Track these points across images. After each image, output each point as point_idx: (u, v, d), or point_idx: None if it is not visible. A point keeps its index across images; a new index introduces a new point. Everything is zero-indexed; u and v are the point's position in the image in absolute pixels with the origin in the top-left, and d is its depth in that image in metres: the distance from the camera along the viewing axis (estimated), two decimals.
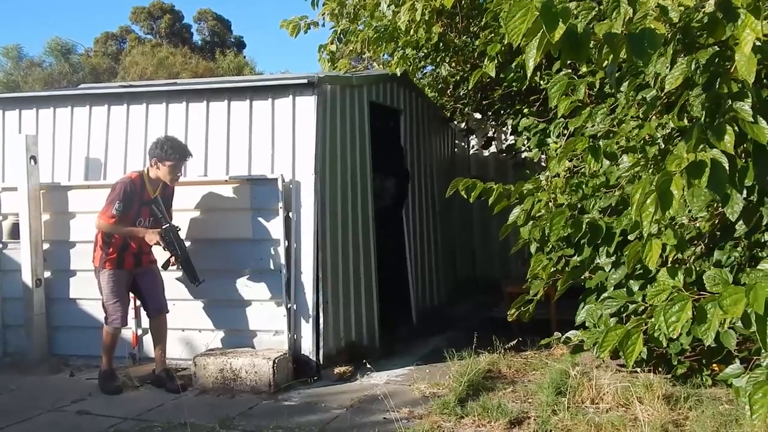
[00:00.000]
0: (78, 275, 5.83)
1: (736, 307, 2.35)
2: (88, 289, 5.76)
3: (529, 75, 2.62)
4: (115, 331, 5.14)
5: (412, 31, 6.40)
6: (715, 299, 2.45)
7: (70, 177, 6.05)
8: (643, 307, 3.42)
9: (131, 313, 5.60)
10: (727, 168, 2.44)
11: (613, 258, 4.05)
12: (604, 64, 2.67)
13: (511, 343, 5.17)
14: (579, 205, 4.50)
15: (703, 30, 2.62)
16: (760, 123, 2.41)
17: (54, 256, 5.90)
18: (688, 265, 3.59)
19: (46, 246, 5.89)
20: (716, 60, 2.63)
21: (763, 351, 2.55)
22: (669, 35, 2.73)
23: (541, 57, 2.42)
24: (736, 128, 2.42)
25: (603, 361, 4.69)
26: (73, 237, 5.86)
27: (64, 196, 5.90)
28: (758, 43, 2.41)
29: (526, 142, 6.65)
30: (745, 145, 2.61)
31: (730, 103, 2.54)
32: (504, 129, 8.73)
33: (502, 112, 7.72)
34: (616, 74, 3.71)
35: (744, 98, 2.50)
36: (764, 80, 2.85)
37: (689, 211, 3.39)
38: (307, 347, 5.29)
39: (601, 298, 4.20)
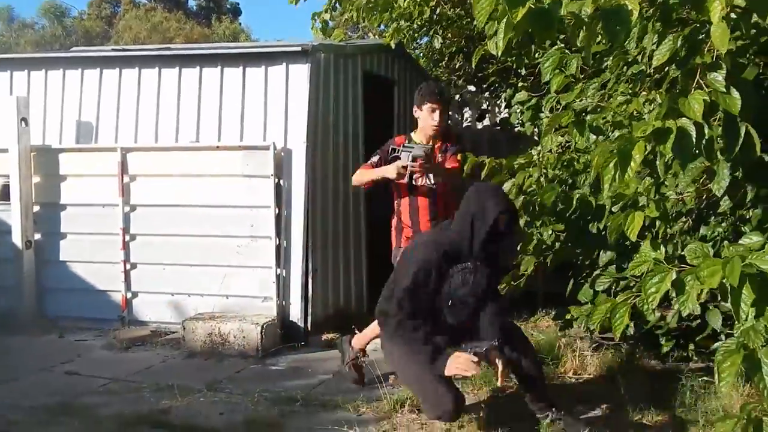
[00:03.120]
0: (68, 238, 5.86)
1: (712, 279, 2.39)
2: (78, 252, 5.82)
3: (498, 55, 2.61)
4: None
5: (404, 3, 6.36)
6: (694, 271, 2.49)
7: (61, 140, 6.04)
8: (633, 283, 3.47)
9: (120, 276, 5.65)
10: (694, 136, 2.46)
11: (608, 238, 4.09)
12: (580, 43, 2.67)
13: None
14: (570, 181, 4.52)
15: (686, 4, 2.63)
16: (732, 94, 2.42)
17: (44, 218, 5.92)
18: (675, 239, 3.63)
19: (36, 208, 5.90)
20: (699, 35, 2.63)
21: (737, 322, 2.59)
22: (651, 11, 2.73)
23: (515, 38, 2.42)
24: (707, 98, 2.43)
25: (589, 333, 4.75)
26: (64, 200, 5.87)
27: (55, 158, 5.89)
28: (734, 16, 2.42)
29: (519, 116, 6.66)
30: (719, 117, 2.61)
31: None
32: (498, 102, 8.72)
33: (497, 85, 7.71)
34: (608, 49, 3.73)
35: (718, 69, 2.51)
36: (751, 56, 2.87)
37: (677, 186, 3.41)
38: (295, 314, 5.34)
39: (593, 275, 4.26)
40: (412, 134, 4.45)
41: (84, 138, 6.00)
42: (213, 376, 4.48)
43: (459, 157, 4.19)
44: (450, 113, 9.37)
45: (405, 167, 4.17)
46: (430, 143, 4.35)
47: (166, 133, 5.77)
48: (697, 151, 2.54)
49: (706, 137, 2.53)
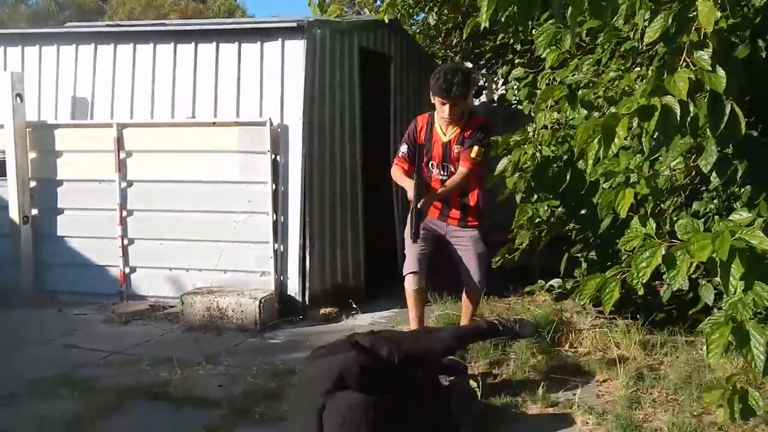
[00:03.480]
0: (65, 213, 5.87)
1: (702, 253, 2.43)
2: (76, 228, 5.83)
3: (484, 25, 2.63)
4: None
5: None
6: (685, 246, 2.52)
7: (56, 116, 6.03)
8: (624, 257, 3.50)
9: (118, 251, 5.67)
10: (678, 114, 2.47)
11: (599, 213, 4.11)
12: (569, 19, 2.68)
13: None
14: (565, 157, 4.54)
15: None
16: (717, 72, 2.43)
17: (41, 194, 5.92)
18: (667, 215, 3.66)
19: (33, 184, 5.90)
20: (687, 13, 2.64)
21: (725, 296, 2.63)
22: None
23: (502, 13, 2.43)
24: (692, 76, 2.44)
25: (584, 307, 4.78)
26: (60, 176, 5.88)
27: (51, 134, 5.88)
28: None
29: (516, 93, 6.65)
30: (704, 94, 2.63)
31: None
32: (495, 79, 8.71)
33: (493, 61, 7.69)
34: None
35: (704, 47, 2.53)
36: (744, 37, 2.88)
37: (668, 161, 3.44)
38: (293, 288, 5.37)
39: (588, 251, 4.30)
40: (435, 114, 4.19)
41: (79, 114, 5.98)
42: (212, 349, 4.52)
43: (475, 152, 4.00)
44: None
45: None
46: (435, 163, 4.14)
47: (162, 108, 5.76)
48: (683, 129, 2.57)
49: (691, 115, 2.54)
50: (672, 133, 2.58)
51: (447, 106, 3.98)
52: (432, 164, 4.16)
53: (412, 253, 4.14)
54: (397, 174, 4.19)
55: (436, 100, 4.04)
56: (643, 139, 2.88)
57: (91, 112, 5.97)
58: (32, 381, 3.97)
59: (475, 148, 3.99)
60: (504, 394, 3.65)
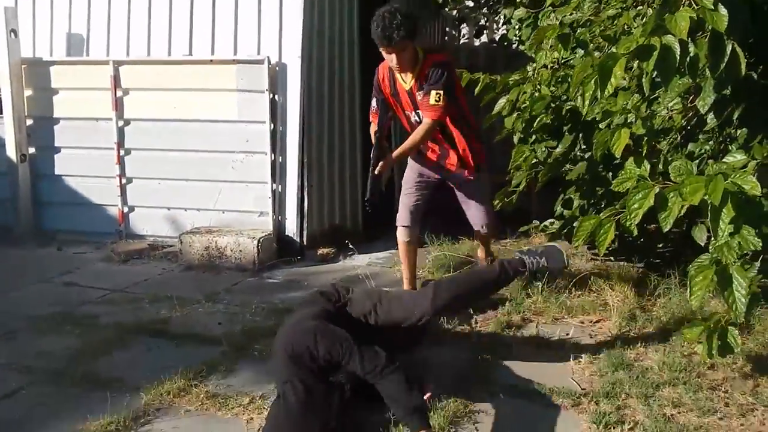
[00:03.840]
0: (63, 152, 5.85)
1: (694, 196, 2.44)
2: (74, 166, 5.82)
3: None
4: None
5: None
6: (677, 188, 2.53)
7: (51, 53, 5.94)
8: (623, 201, 3.50)
9: (116, 190, 5.67)
10: (678, 54, 2.44)
11: (594, 153, 4.09)
12: None
13: None
14: (563, 97, 4.50)
15: None
16: (719, 10, 2.38)
17: (38, 132, 5.89)
18: (662, 155, 3.64)
19: (29, 122, 5.86)
20: None
21: (713, 239, 2.64)
22: None
23: None
24: (694, 15, 2.39)
25: (578, 249, 4.82)
26: (57, 113, 5.84)
27: (47, 71, 5.81)
28: None
29: (517, 33, 6.54)
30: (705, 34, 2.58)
31: None
32: (496, 18, 8.55)
33: (495, 0, 7.54)
34: None
35: None
36: None
37: (666, 101, 3.40)
38: (291, 228, 5.40)
39: (582, 189, 4.28)
40: None
41: (75, 51, 5.90)
42: (211, 288, 4.57)
43: (433, 97, 3.70)
44: (447, 29, 9.23)
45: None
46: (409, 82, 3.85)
47: (158, 45, 5.67)
48: (682, 69, 2.53)
49: (691, 55, 2.51)
50: (671, 74, 2.54)
51: (393, 55, 3.66)
52: (408, 114, 3.96)
53: (405, 204, 4.10)
54: (371, 131, 3.91)
55: (382, 51, 3.72)
56: (643, 80, 2.85)
57: (86, 49, 5.89)
58: (34, 318, 4.03)
59: (432, 93, 3.68)
60: (497, 333, 3.71)
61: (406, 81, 3.85)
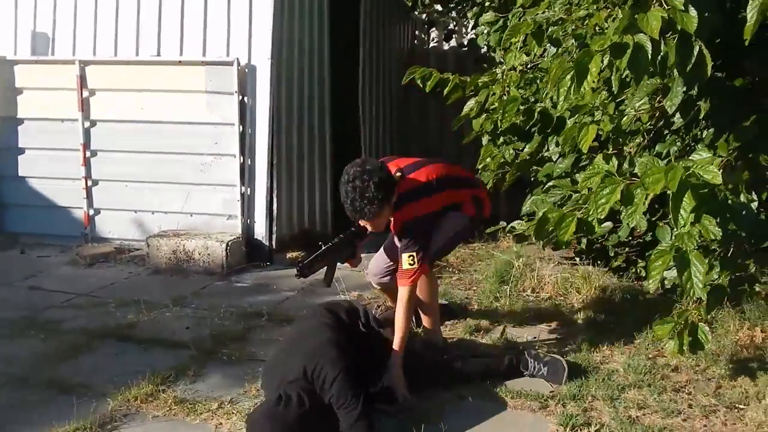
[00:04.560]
0: (27, 153, 5.76)
1: (656, 186, 2.49)
2: (38, 168, 5.73)
3: None
4: None
5: None
6: (642, 181, 2.58)
7: (16, 51, 5.83)
8: (585, 196, 3.55)
9: (82, 192, 5.59)
10: (650, 52, 2.49)
11: (561, 148, 4.15)
12: None
13: None
14: (532, 99, 4.54)
15: None
16: (690, 12, 2.44)
17: (1, 132, 5.77)
18: (630, 156, 3.70)
19: None
20: None
21: (674, 228, 2.69)
22: None
23: None
24: (665, 15, 2.45)
25: (544, 249, 4.87)
26: (21, 114, 5.75)
27: (11, 70, 5.72)
28: None
29: (486, 37, 6.59)
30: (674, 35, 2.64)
31: None
32: (465, 23, 8.61)
33: (464, 4, 7.59)
34: None
35: None
36: None
37: (634, 101, 3.46)
38: (260, 232, 5.37)
39: (546, 187, 4.32)
40: None
41: (40, 50, 5.80)
42: (178, 292, 4.53)
43: (406, 261, 3.25)
44: (416, 33, 9.24)
45: None
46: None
47: (125, 45, 5.61)
48: (651, 69, 2.59)
49: (662, 54, 2.57)
50: (642, 72, 2.59)
51: (367, 223, 3.23)
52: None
53: (382, 258, 3.73)
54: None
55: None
56: (612, 77, 2.90)
57: (52, 48, 5.80)
58: None
59: (404, 256, 3.25)
60: (464, 338, 3.74)
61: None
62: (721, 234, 2.57)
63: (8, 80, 5.70)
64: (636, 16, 2.50)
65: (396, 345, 3.17)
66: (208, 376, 3.32)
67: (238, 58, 5.22)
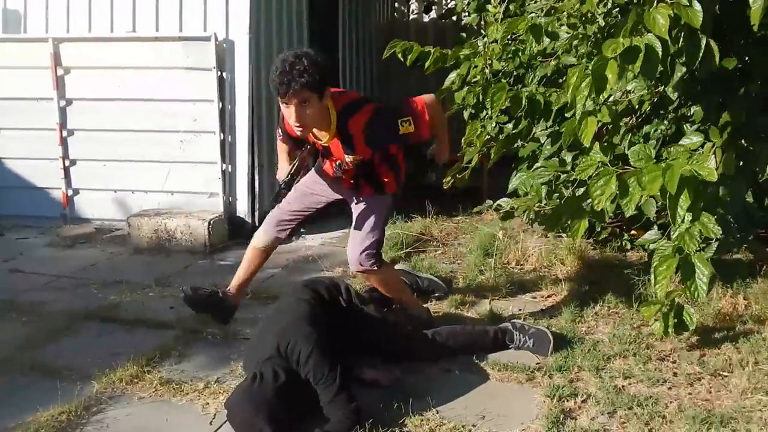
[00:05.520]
0: (2, 133, 5.65)
1: (653, 185, 2.53)
2: (14, 148, 5.63)
3: None
4: None
5: None
6: (636, 173, 2.59)
7: None
8: (573, 177, 3.55)
9: (60, 173, 5.51)
10: (660, 53, 2.48)
11: (549, 129, 4.13)
12: None
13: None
14: (515, 74, 4.51)
15: None
16: (694, 6, 2.43)
17: None
18: (618, 140, 3.70)
19: None
20: None
21: (672, 225, 2.72)
22: None
23: None
24: (671, 12, 2.44)
25: (530, 226, 4.89)
26: None
27: None
28: None
29: (465, 6, 6.53)
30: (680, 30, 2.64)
31: None
32: None
33: None
34: None
35: None
36: None
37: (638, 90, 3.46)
38: (242, 209, 5.33)
39: (534, 167, 4.31)
40: None
41: (12, 27, 5.67)
42: (161, 271, 4.49)
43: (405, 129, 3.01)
44: (396, 6, 9.14)
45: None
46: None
47: (100, 22, 5.50)
48: (661, 68, 2.60)
49: (671, 52, 2.57)
50: (654, 72, 2.59)
51: (291, 109, 2.83)
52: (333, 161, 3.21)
53: (284, 209, 3.44)
54: (280, 150, 3.39)
55: (281, 104, 2.90)
56: (630, 71, 2.89)
57: (24, 26, 5.67)
58: None
59: (399, 123, 3.01)
60: (450, 312, 3.74)
61: (321, 139, 3.09)
62: (721, 232, 2.61)
63: None
64: (642, 14, 2.49)
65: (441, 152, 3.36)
66: (194, 356, 3.30)
67: (215, 33, 5.14)
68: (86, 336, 3.54)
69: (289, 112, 2.85)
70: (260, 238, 3.49)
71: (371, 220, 3.28)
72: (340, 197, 3.41)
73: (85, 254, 4.96)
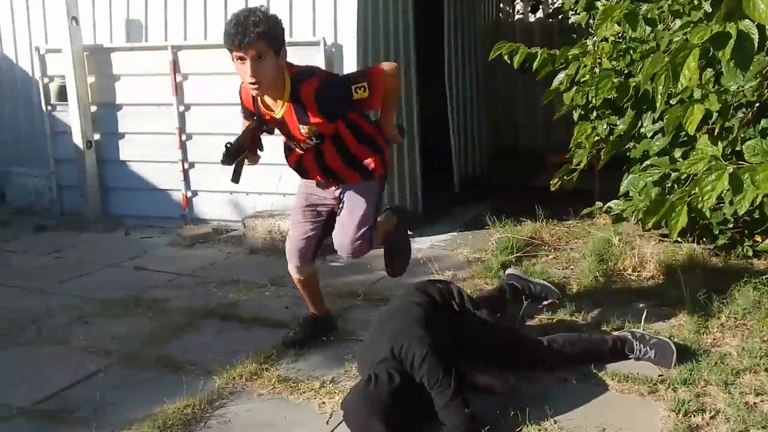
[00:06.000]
0: (126, 138, 5.96)
1: (767, 183, 2.34)
2: (138, 152, 5.93)
3: None
4: None
5: None
6: (751, 169, 2.42)
7: (111, 39, 6.03)
8: (685, 176, 3.39)
9: (180, 175, 5.75)
10: (756, 41, 2.30)
11: (657, 125, 3.97)
12: None
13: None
14: (626, 71, 4.35)
15: None
16: None
17: (102, 118, 6.01)
18: (733, 134, 3.51)
19: (93, 108, 5.98)
20: None
21: None
22: None
23: None
24: None
25: (641, 227, 4.70)
26: (120, 100, 5.95)
27: (108, 58, 5.92)
28: None
29: (573, 4, 6.37)
30: None
31: None
32: None
33: None
34: None
35: None
36: None
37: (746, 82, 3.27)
38: None
39: (643, 166, 4.15)
40: None
41: (134, 36, 5.98)
42: (275, 271, 4.60)
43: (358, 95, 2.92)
44: (501, 6, 9.02)
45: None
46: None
47: (215, 29, 5.70)
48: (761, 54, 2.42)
49: None
50: (748, 62, 2.41)
51: (246, 64, 2.76)
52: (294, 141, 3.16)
53: (292, 238, 3.42)
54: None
55: (233, 59, 2.82)
56: (722, 63, 2.73)
57: (145, 35, 5.96)
58: (105, 301, 4.13)
59: (353, 90, 2.92)
60: (564, 320, 3.65)
61: (274, 110, 3.02)
62: None
63: (106, 68, 5.90)
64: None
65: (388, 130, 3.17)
66: (309, 355, 3.37)
67: (324, 38, 5.23)
68: (207, 333, 3.69)
69: (244, 69, 2.78)
70: (294, 272, 3.46)
71: (362, 207, 3.18)
72: (333, 198, 3.32)
73: (204, 254, 5.16)
